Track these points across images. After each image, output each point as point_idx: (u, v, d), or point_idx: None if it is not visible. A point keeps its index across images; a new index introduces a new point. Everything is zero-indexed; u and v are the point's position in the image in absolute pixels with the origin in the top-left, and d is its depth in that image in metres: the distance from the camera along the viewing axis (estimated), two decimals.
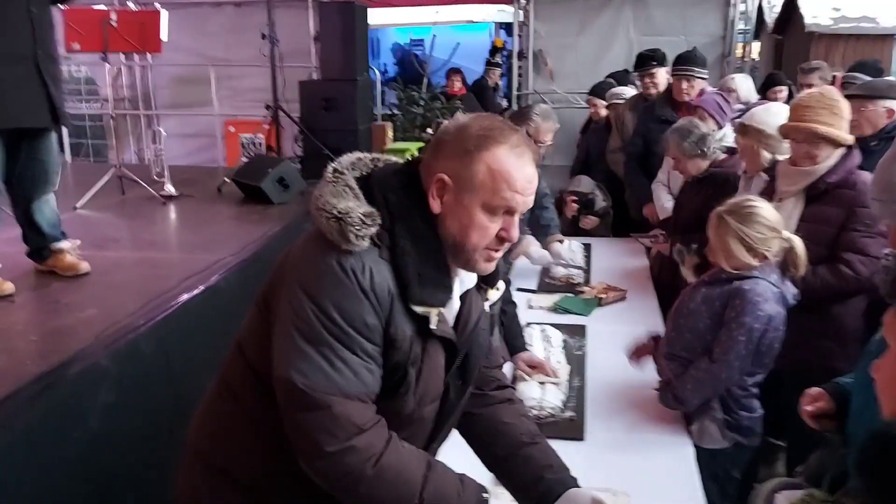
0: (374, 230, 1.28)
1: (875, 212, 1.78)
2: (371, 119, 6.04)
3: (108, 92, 6.84)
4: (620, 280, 3.59)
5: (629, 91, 5.32)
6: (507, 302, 2.63)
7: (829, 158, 2.56)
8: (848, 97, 3.36)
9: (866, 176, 2.59)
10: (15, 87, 2.84)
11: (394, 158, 1.50)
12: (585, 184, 4.84)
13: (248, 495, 1.44)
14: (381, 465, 1.28)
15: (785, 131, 2.68)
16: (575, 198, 4.68)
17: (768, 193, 2.66)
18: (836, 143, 2.55)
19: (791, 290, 2.27)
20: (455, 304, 1.42)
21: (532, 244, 3.62)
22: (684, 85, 4.30)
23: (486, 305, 1.50)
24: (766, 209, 2.22)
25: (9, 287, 2.97)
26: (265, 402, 1.36)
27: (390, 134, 4.94)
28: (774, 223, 2.20)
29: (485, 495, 1.39)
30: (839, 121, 2.55)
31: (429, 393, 1.41)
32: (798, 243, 2.22)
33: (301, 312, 1.27)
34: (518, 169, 1.31)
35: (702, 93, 4.25)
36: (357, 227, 1.25)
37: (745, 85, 5.01)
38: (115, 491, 2.45)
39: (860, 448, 1.05)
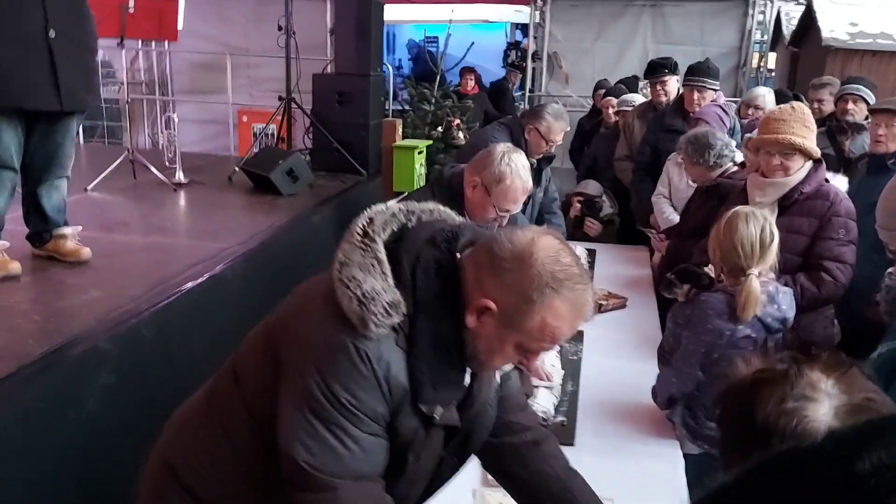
0: (395, 321, 1.20)
1: (883, 238, 1.82)
2: (383, 115, 6.07)
3: (123, 76, 6.94)
4: (622, 287, 3.60)
5: (638, 98, 5.32)
6: None
7: (800, 170, 2.68)
8: (875, 112, 3.41)
9: (836, 187, 2.76)
10: (19, 67, 2.78)
11: (429, 207, 1.38)
12: (593, 187, 4.84)
13: None
14: None
15: (758, 144, 2.78)
16: (581, 199, 4.66)
17: (742, 203, 2.72)
18: (808, 156, 2.67)
19: (774, 314, 2.26)
20: (465, 382, 1.36)
21: None
22: (695, 96, 4.30)
23: (498, 376, 1.46)
24: (746, 226, 2.22)
25: (15, 267, 2.99)
26: (254, 444, 1.32)
27: (400, 131, 4.96)
28: (754, 245, 2.20)
29: None
30: (810, 133, 2.68)
31: (422, 473, 1.38)
32: (753, 286, 2.19)
33: (313, 391, 1.20)
34: (570, 326, 1.24)
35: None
36: (379, 317, 1.18)
37: (770, 100, 4.90)
38: (110, 473, 2.48)
39: None
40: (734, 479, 0.60)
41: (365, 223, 1.27)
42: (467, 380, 1.36)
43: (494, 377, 1.47)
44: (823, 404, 0.95)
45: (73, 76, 2.95)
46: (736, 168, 3.41)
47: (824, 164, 2.76)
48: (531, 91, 8.55)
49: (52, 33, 2.84)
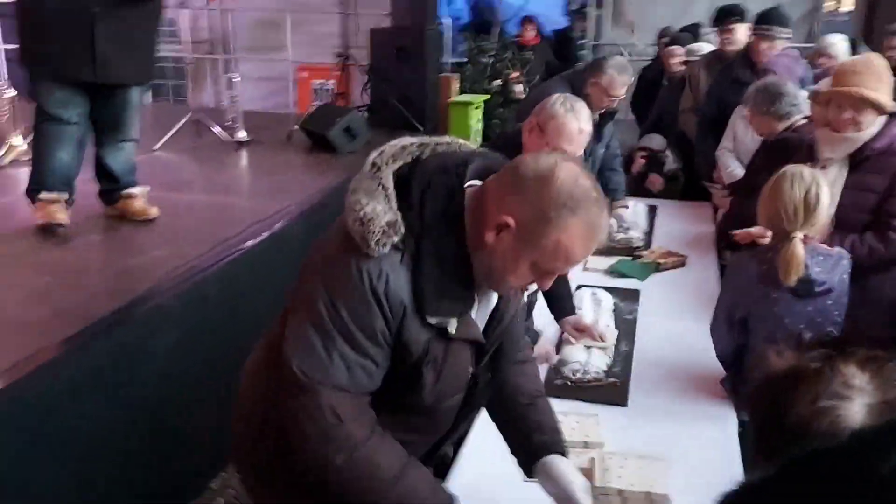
0: (396, 239, 1.27)
1: None
2: (440, 69, 6.02)
3: (186, 36, 7.03)
4: (683, 245, 3.53)
5: (706, 48, 5.11)
6: None
7: (873, 124, 2.55)
8: None
9: None
10: (61, 38, 3.04)
11: (446, 140, 1.44)
12: (657, 142, 4.68)
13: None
14: (354, 459, 1.32)
15: (828, 97, 2.64)
16: (645, 153, 4.51)
17: (809, 159, 2.64)
18: (880, 110, 2.54)
19: (820, 277, 2.18)
20: (493, 300, 1.42)
21: None
22: (764, 45, 4.09)
23: (525, 295, 1.51)
24: (791, 188, 2.14)
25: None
26: None
27: (456, 86, 4.91)
28: (798, 207, 2.13)
29: None
30: (884, 87, 2.54)
31: (450, 388, 1.44)
32: (796, 250, 2.12)
33: (315, 303, 1.30)
34: (584, 248, 1.29)
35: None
36: (377, 236, 1.25)
37: (843, 49, 4.61)
38: (179, 425, 2.60)
39: None
40: (761, 479, 0.60)
41: (376, 155, 1.34)
42: (493, 300, 1.42)
43: (521, 295, 1.52)
44: (857, 402, 0.91)
45: (116, 51, 3.10)
46: (804, 122, 3.27)
47: None
48: (595, 40, 8.32)
49: (98, 11, 3.02)
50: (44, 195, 3.16)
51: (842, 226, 2.54)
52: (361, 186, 1.30)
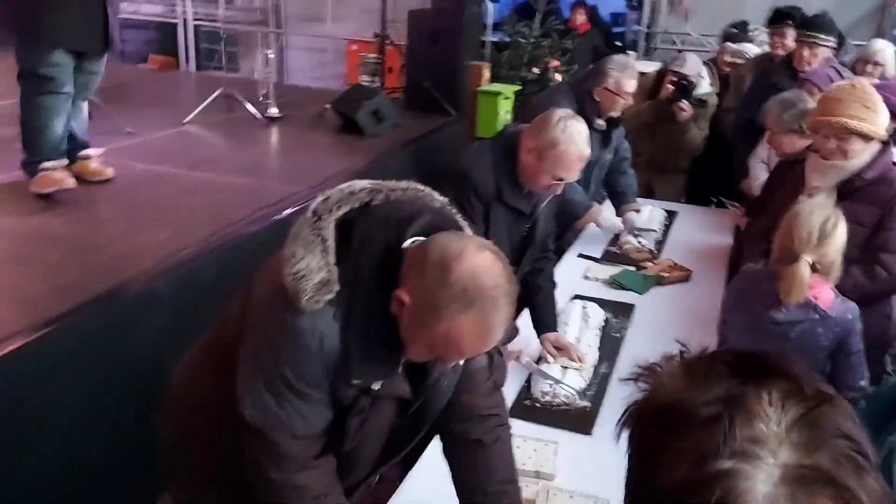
0: (329, 297, 1.27)
1: None
2: (479, 55, 5.93)
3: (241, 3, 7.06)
4: (694, 257, 3.43)
5: (752, 48, 4.91)
6: (546, 279, 2.59)
7: (862, 153, 2.45)
8: None
9: None
10: (81, 15, 3.18)
11: (402, 186, 1.41)
12: (692, 64, 4.26)
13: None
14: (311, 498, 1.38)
15: (813, 125, 2.56)
16: (674, 78, 4.17)
17: (796, 188, 2.58)
18: (868, 138, 2.43)
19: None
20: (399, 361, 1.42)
21: (603, 211, 3.52)
22: (805, 53, 3.91)
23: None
24: (810, 213, 2.09)
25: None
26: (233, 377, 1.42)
27: (487, 75, 4.82)
28: (811, 232, 2.08)
29: None
30: (871, 115, 2.42)
31: (371, 438, 1.46)
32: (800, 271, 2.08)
33: (259, 357, 1.34)
34: (474, 346, 1.29)
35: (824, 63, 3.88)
36: (310, 294, 1.25)
37: (891, 55, 4.30)
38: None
39: None
40: None
41: (319, 201, 1.33)
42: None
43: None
44: (769, 467, 0.59)
45: (116, 21, 3.30)
46: None
47: (893, 147, 2.52)
48: (648, 27, 8.09)
49: None
50: (46, 165, 3.27)
51: None
52: (300, 236, 1.30)
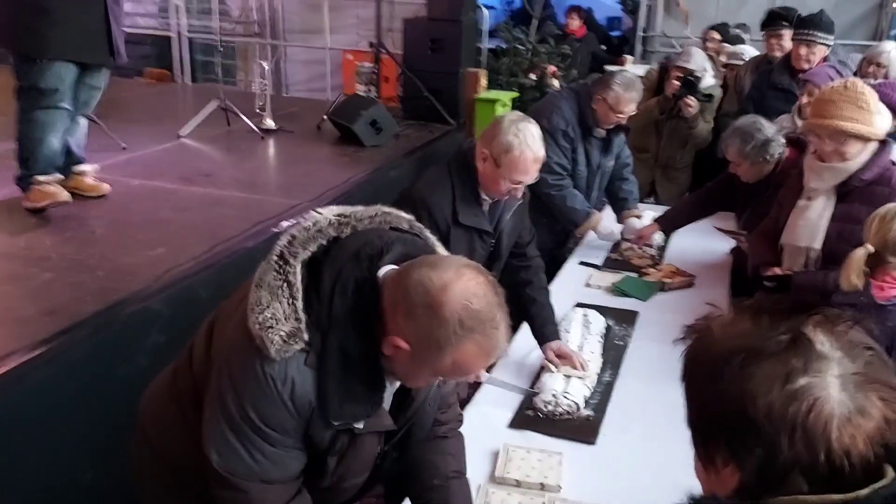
0: (297, 347, 1.23)
1: None
2: (476, 62, 5.91)
3: (236, 15, 7.05)
4: (697, 262, 3.39)
5: (749, 50, 4.88)
6: (537, 289, 2.55)
7: (860, 154, 2.42)
8: None
9: None
10: (83, 26, 3.17)
11: (370, 213, 1.37)
12: (697, 59, 4.23)
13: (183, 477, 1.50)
14: None
15: (808, 128, 2.55)
16: (680, 74, 4.16)
17: (796, 189, 2.57)
18: (864, 139, 2.40)
19: None
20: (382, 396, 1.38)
21: (603, 219, 3.48)
22: (803, 51, 3.90)
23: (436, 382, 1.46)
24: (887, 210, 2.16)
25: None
26: (198, 412, 1.38)
27: (483, 82, 4.80)
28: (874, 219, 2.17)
29: None
30: (865, 115, 2.38)
31: (353, 472, 1.43)
32: (855, 256, 2.12)
33: (225, 401, 1.28)
34: (481, 365, 1.27)
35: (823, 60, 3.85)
36: (277, 345, 1.21)
37: None
38: None
39: None
40: None
41: (284, 243, 1.28)
42: (393, 388, 1.39)
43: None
44: (832, 377, 0.77)
45: (120, 32, 3.28)
46: (788, 151, 3.12)
47: (893, 146, 2.48)
48: (645, 31, 8.06)
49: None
50: (40, 178, 3.26)
51: (828, 259, 2.45)
52: (266, 281, 1.25)
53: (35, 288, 2.66)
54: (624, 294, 3.04)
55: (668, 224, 3.49)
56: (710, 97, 4.34)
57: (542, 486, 1.90)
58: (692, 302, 3.04)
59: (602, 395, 2.34)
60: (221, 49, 5.30)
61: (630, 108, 3.21)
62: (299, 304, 1.23)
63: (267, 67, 5.22)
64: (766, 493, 0.79)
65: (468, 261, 1.28)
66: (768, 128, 3.11)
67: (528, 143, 2.30)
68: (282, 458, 1.30)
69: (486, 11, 6.35)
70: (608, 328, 2.72)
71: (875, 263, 2.11)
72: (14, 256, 2.90)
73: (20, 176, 3.30)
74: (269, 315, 1.21)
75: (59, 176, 3.34)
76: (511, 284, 2.41)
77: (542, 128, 2.46)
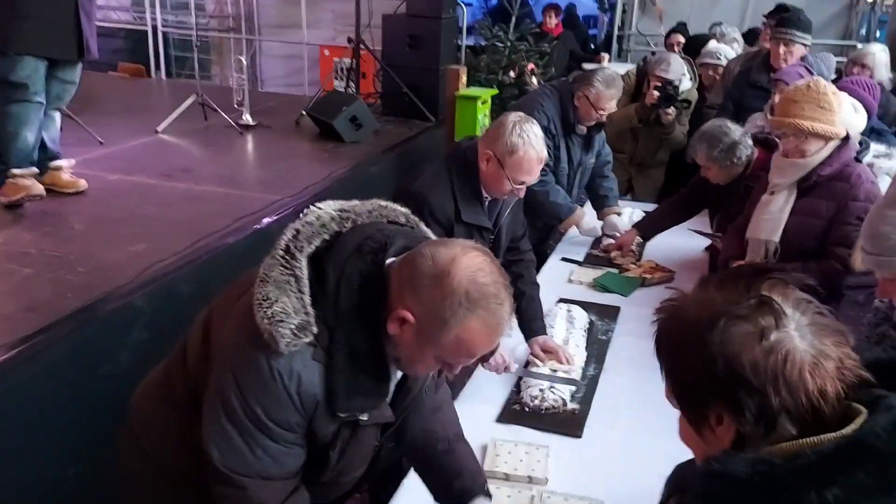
0: (307, 340, 1.23)
1: (867, 264, 1.65)
2: (456, 59, 5.92)
3: (210, 9, 6.99)
4: (676, 258, 3.43)
5: (726, 50, 4.94)
6: (527, 283, 2.57)
7: (821, 151, 2.52)
8: None
9: (861, 168, 2.59)
10: (52, 21, 3.15)
11: (367, 207, 1.37)
12: (675, 68, 4.25)
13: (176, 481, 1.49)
14: None
15: (773, 124, 2.66)
16: (659, 84, 4.21)
17: (763, 185, 2.68)
18: (824, 138, 2.51)
19: None
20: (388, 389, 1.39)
21: (585, 215, 3.51)
22: (781, 49, 3.95)
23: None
24: None
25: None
26: (195, 414, 1.37)
27: (464, 79, 4.81)
28: None
29: None
30: (826, 114, 2.48)
31: (353, 465, 1.44)
32: None
33: (228, 397, 1.27)
34: (485, 344, 1.26)
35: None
36: (287, 340, 1.21)
37: (883, 60, 4.27)
38: None
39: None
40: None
41: (290, 238, 1.27)
42: (396, 378, 1.40)
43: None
44: (793, 331, 0.88)
45: (91, 28, 3.26)
46: (757, 152, 3.18)
47: (853, 143, 2.58)
48: (620, 29, 8.13)
49: None
50: (14, 172, 3.23)
51: (787, 251, 2.55)
52: (272, 276, 1.24)
53: (15, 284, 2.63)
54: (605, 289, 3.07)
55: (646, 231, 3.53)
56: (687, 103, 4.42)
57: (530, 479, 1.92)
58: None
59: (587, 389, 2.36)
60: (199, 44, 5.23)
61: (611, 105, 3.24)
62: (307, 298, 1.23)
63: (245, 62, 5.18)
64: (762, 440, 0.89)
65: (474, 243, 1.29)
66: (734, 130, 3.15)
67: (531, 143, 2.32)
68: (283, 455, 1.30)
69: (464, 8, 6.36)
70: (591, 323, 2.75)
71: None
72: (4, 252, 2.86)
73: None
74: (278, 309, 1.21)
75: (35, 170, 3.31)
76: None
77: None
